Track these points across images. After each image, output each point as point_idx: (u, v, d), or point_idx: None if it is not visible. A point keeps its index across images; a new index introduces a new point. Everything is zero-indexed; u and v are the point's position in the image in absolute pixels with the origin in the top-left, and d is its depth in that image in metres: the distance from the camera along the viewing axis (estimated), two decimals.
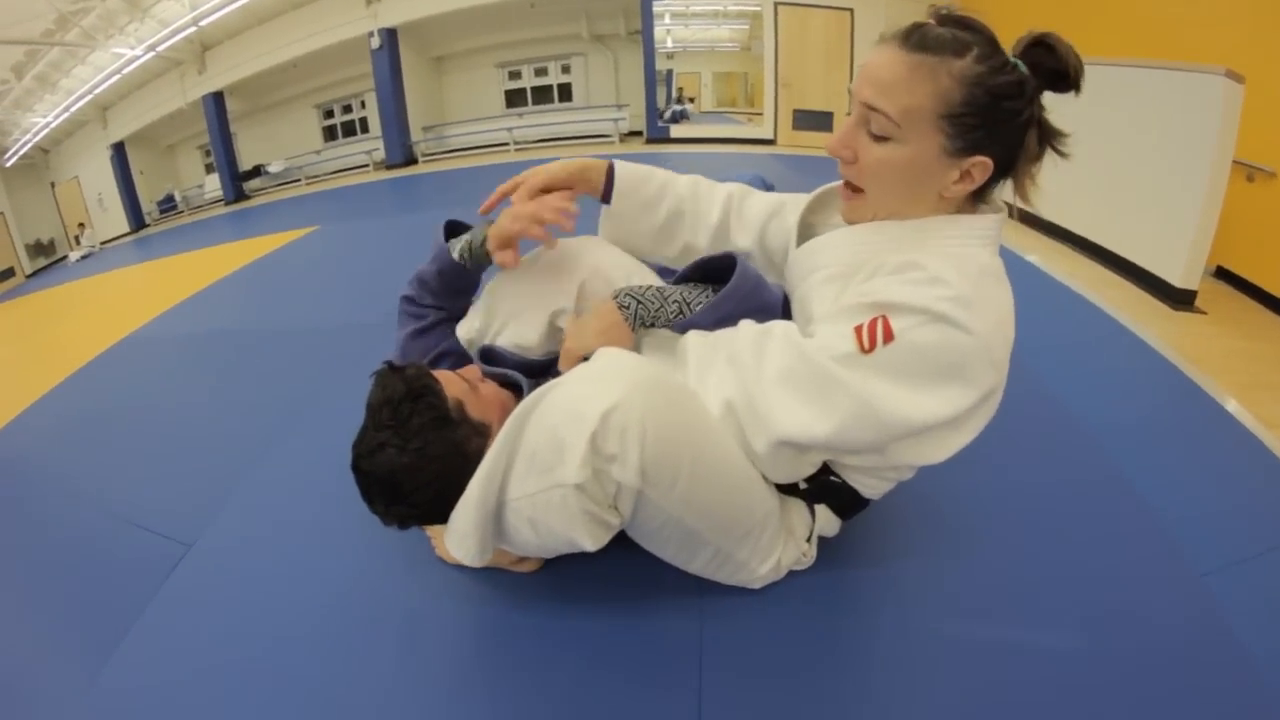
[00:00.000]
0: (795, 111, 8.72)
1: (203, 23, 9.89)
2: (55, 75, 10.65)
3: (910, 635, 1.09)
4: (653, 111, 9.31)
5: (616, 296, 1.07)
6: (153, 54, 10.21)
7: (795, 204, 1.17)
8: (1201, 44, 3.68)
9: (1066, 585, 1.18)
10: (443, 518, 0.98)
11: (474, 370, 1.13)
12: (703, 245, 1.22)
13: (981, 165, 0.86)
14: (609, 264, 1.19)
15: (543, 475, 0.85)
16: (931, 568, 1.22)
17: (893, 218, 0.94)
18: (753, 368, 0.90)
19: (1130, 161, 3.21)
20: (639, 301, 1.06)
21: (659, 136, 9.33)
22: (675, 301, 1.06)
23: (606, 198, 1.19)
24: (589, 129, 10.06)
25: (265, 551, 1.41)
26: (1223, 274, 3.37)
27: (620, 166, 1.18)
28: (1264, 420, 1.80)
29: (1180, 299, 2.83)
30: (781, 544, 1.08)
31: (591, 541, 0.88)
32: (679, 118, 9.63)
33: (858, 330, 0.83)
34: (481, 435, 1.02)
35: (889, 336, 0.81)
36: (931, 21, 0.85)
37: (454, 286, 1.27)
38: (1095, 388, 1.93)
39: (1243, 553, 1.28)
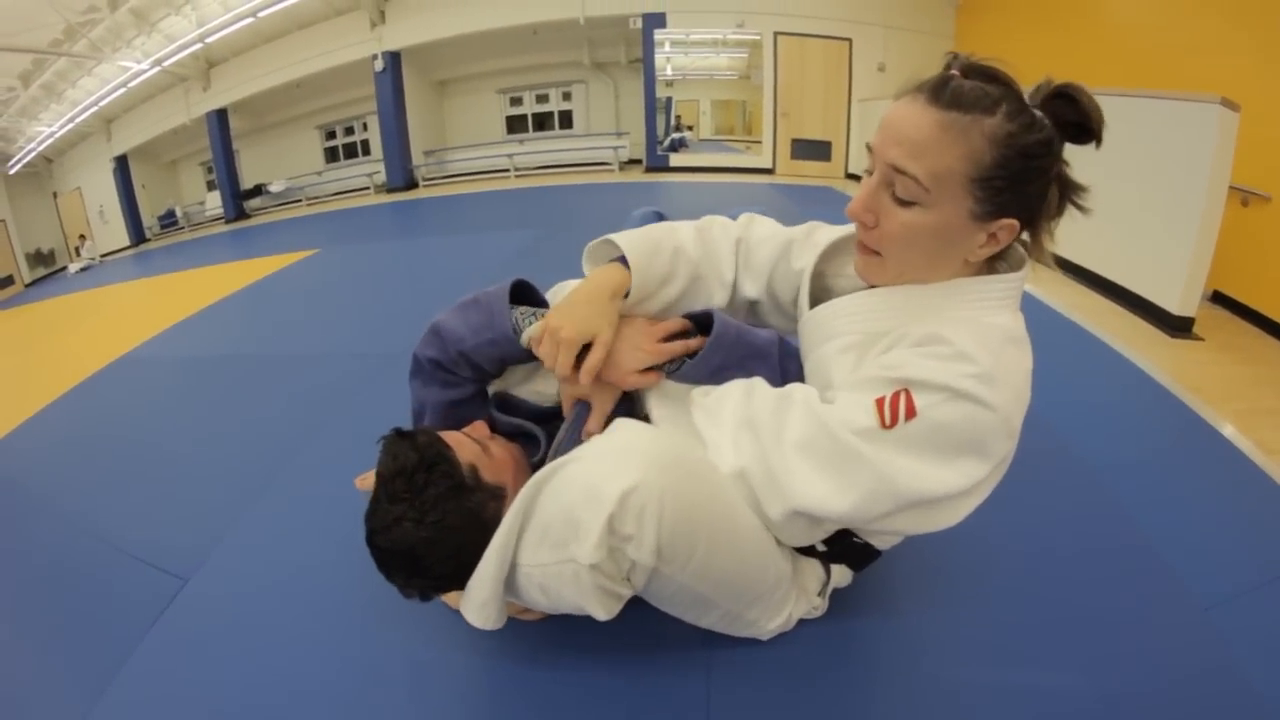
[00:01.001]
0: (793, 141, 8.81)
1: (209, 39, 9.96)
2: (61, 85, 10.74)
3: (919, 683, 1.08)
4: (652, 139, 9.40)
5: None
6: (158, 69, 10.28)
7: (801, 244, 1.11)
8: (1196, 72, 3.73)
9: (1071, 625, 1.17)
10: (462, 584, 0.96)
11: (482, 428, 1.10)
12: (720, 302, 1.15)
13: (1009, 228, 0.83)
14: None
15: (556, 549, 0.84)
16: (936, 611, 1.21)
17: (912, 282, 0.90)
18: (772, 434, 0.88)
19: (1127, 189, 3.24)
20: None
21: (658, 165, 9.40)
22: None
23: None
24: (589, 156, 10.16)
25: (264, 591, 1.37)
26: (1219, 298, 3.38)
27: (631, 254, 1.03)
28: (1263, 447, 1.80)
29: (1178, 326, 2.84)
30: (793, 600, 1.07)
31: (604, 612, 0.87)
32: (678, 146, 9.67)
33: (879, 403, 0.81)
34: (498, 499, 0.99)
35: (911, 412, 0.79)
36: (956, 73, 0.81)
37: (509, 364, 1.18)
38: (1094, 418, 1.93)
39: (1245, 584, 1.28)
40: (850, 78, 8.52)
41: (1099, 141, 0.81)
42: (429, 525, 0.91)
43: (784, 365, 1.04)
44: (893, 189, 0.83)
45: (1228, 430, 1.90)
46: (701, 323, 1.07)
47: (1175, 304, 2.87)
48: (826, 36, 8.47)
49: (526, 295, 1.14)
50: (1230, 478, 1.69)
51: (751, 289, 1.15)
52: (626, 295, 1.03)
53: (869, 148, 0.86)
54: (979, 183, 0.79)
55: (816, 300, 1.03)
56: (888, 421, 0.80)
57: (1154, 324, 2.93)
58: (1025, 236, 0.88)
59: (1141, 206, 3.14)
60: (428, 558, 0.92)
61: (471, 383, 1.16)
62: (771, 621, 1.06)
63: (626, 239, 1.05)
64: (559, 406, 1.17)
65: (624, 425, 0.91)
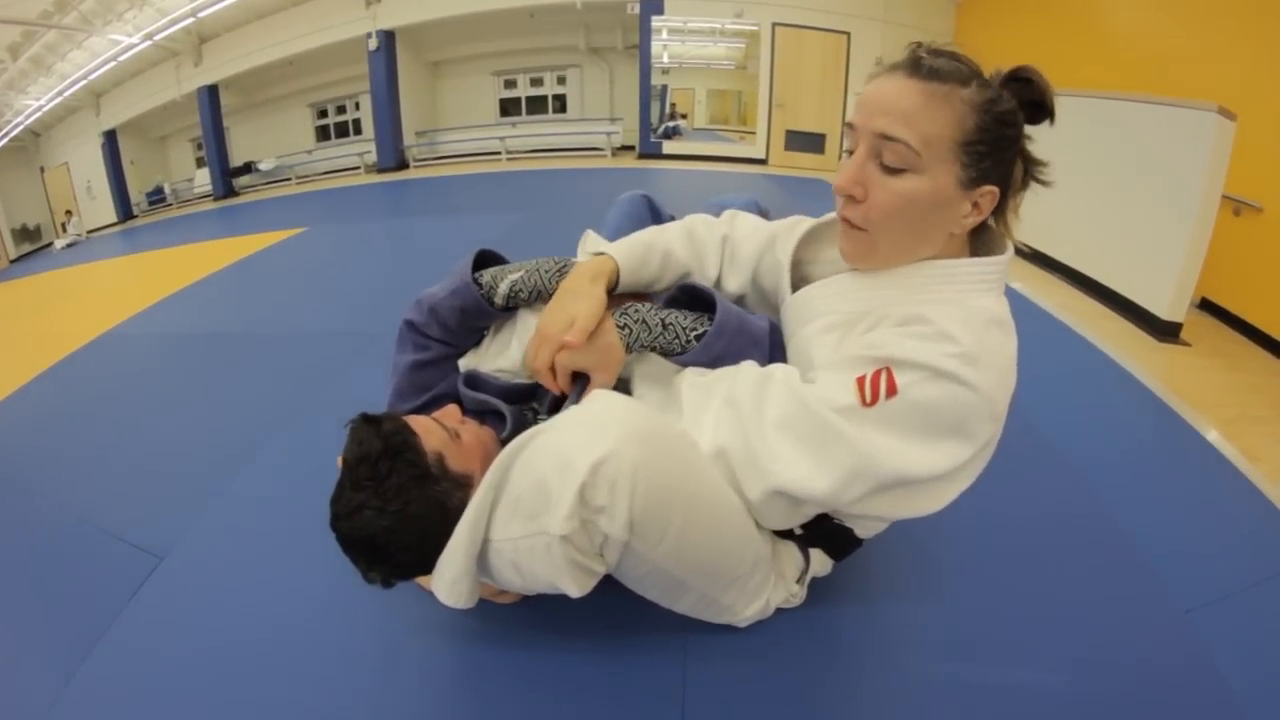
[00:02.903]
0: (788, 132, 8.79)
1: (201, 14, 9.81)
2: (50, 58, 10.54)
3: (896, 677, 1.08)
4: (646, 126, 9.34)
5: (616, 317, 1.02)
6: (149, 43, 10.12)
7: (786, 236, 1.11)
8: (1194, 80, 3.74)
9: (1052, 623, 1.17)
10: (425, 572, 0.95)
11: (453, 412, 1.09)
12: None
13: (990, 195, 0.84)
14: None
15: (527, 521, 0.82)
16: (917, 605, 1.21)
17: (899, 260, 0.90)
18: (752, 412, 0.87)
19: (1120, 194, 3.25)
20: (639, 325, 1.01)
21: (651, 152, 9.35)
22: (673, 328, 1.02)
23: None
24: (582, 141, 10.07)
25: (239, 571, 1.37)
26: (1206, 306, 3.41)
27: (620, 258, 1.06)
28: (1247, 453, 1.81)
29: (1166, 331, 2.86)
30: (770, 586, 1.06)
31: (576, 588, 0.85)
32: (672, 133, 9.63)
33: (860, 382, 0.81)
34: (463, 488, 0.98)
35: (891, 391, 0.79)
36: (925, 54, 0.84)
37: (472, 325, 1.22)
38: (1080, 420, 1.94)
39: (1227, 588, 1.29)
40: (847, 72, 8.50)
41: (1053, 119, 0.84)
42: (390, 514, 0.91)
43: (774, 357, 1.03)
44: (881, 159, 0.84)
45: (1212, 435, 1.91)
46: (702, 299, 1.06)
47: (1164, 309, 2.89)
48: (825, 29, 8.44)
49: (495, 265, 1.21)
50: (1215, 483, 1.70)
51: (735, 284, 1.17)
52: (616, 285, 1.06)
53: (850, 126, 0.88)
54: (965, 147, 0.81)
55: (796, 287, 1.04)
56: (868, 399, 0.80)
57: (1142, 328, 2.95)
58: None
59: (1134, 211, 3.16)
60: (389, 546, 0.92)
61: (439, 344, 1.23)
62: (748, 608, 1.05)
63: (619, 246, 1.08)
64: (526, 384, 1.18)
65: (601, 396, 0.89)
